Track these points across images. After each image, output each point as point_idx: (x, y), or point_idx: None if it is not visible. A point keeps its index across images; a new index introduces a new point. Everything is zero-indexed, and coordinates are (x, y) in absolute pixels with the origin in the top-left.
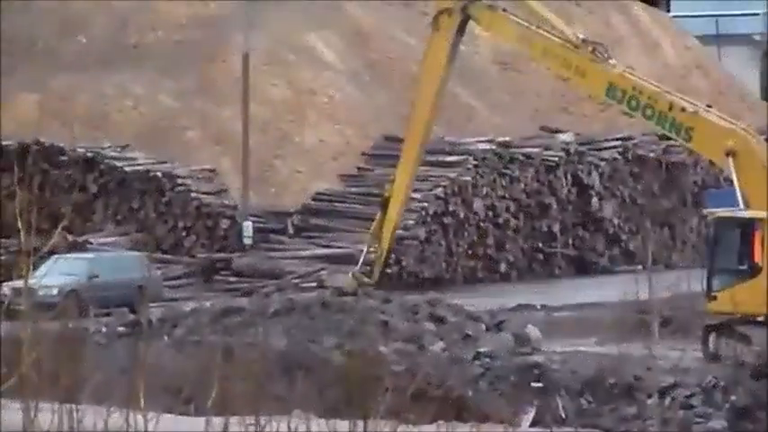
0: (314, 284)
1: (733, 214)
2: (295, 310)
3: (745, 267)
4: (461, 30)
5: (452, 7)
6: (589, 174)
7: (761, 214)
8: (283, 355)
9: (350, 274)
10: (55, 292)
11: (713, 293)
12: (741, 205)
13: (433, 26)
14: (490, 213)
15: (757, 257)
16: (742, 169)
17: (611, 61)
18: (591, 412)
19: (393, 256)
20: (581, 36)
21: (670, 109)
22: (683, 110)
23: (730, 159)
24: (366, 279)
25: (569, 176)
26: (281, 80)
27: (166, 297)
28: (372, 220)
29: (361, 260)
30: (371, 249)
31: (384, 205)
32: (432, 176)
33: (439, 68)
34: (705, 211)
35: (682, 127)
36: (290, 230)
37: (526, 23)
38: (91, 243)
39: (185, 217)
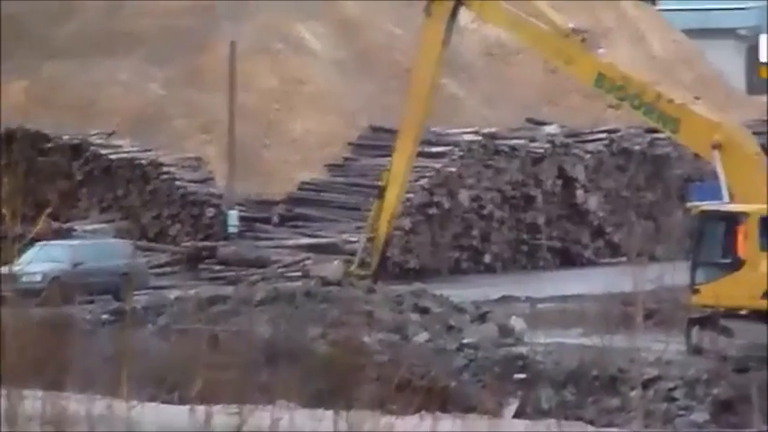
0: (299, 274)
1: (717, 207)
2: (280, 300)
3: (728, 261)
4: (454, 15)
5: None
6: (574, 166)
7: (744, 208)
8: (268, 345)
9: (335, 262)
10: (39, 278)
11: (697, 287)
12: (726, 198)
13: (426, 12)
14: (475, 205)
15: (741, 251)
16: (728, 162)
17: (600, 51)
18: (574, 404)
19: None
20: (571, 25)
21: (657, 100)
22: (671, 101)
23: (716, 152)
24: (362, 272)
25: (555, 168)
26: (268, 69)
27: (151, 285)
28: (358, 210)
29: (359, 253)
30: (368, 239)
31: (380, 194)
32: (417, 167)
33: (434, 54)
34: (689, 205)
35: (669, 119)
36: (276, 219)
37: (517, 11)
38: (76, 230)
39: (171, 205)
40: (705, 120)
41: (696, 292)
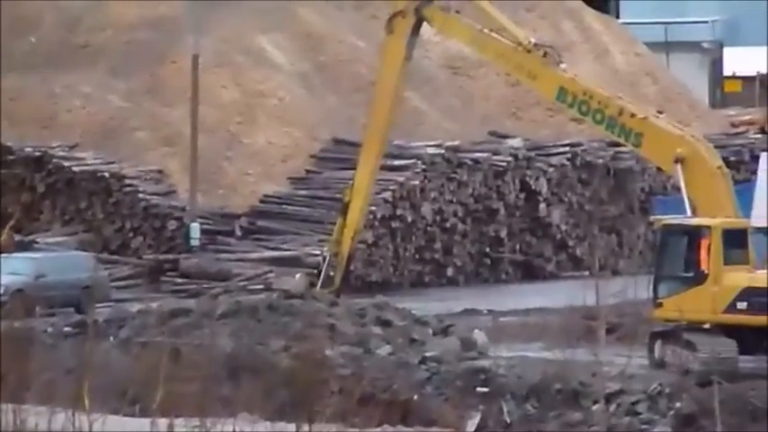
0: (261, 287)
1: (679, 221)
2: (242, 313)
3: (691, 274)
4: (416, 31)
5: (406, 9)
6: (537, 179)
7: (707, 221)
8: (230, 358)
9: (297, 276)
10: (1, 291)
11: (659, 300)
12: (688, 212)
13: (387, 29)
14: (438, 218)
15: (703, 265)
16: (690, 176)
17: (562, 65)
18: (536, 418)
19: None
20: (533, 40)
21: (620, 114)
22: (633, 115)
23: (679, 166)
24: (326, 290)
25: (517, 182)
26: (230, 82)
27: (113, 297)
28: (321, 223)
29: (323, 271)
30: (332, 256)
31: (344, 211)
32: (380, 180)
33: (396, 70)
34: (652, 218)
35: (631, 132)
36: (238, 232)
37: (479, 26)
38: (38, 243)
39: (133, 218)
40: (667, 133)
41: (659, 305)
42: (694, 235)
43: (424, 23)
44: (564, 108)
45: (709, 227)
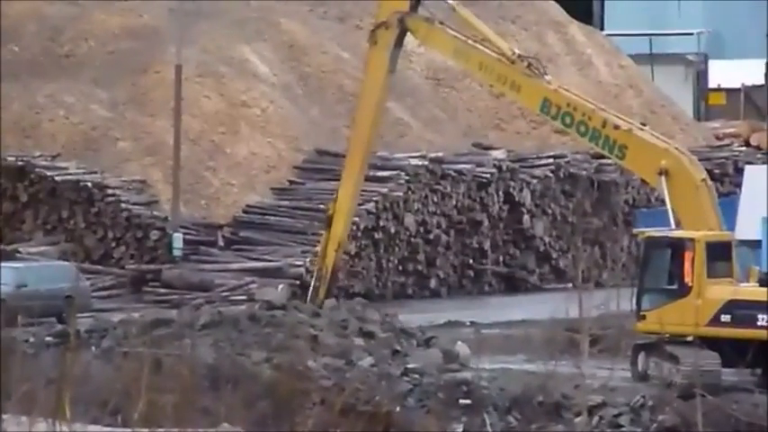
0: (243, 298)
1: (663, 234)
2: (224, 323)
3: (674, 287)
4: (399, 42)
5: (389, 20)
6: (521, 191)
7: (691, 234)
8: (211, 368)
9: (280, 287)
10: None
11: (642, 313)
12: (672, 224)
13: (370, 41)
14: (421, 229)
15: (687, 278)
16: (674, 189)
17: (546, 77)
18: (519, 430)
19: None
20: (517, 51)
21: (603, 126)
22: (617, 127)
23: (663, 178)
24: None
25: (501, 193)
26: (213, 92)
27: (95, 307)
28: (303, 234)
29: (312, 286)
30: (318, 270)
31: (328, 224)
32: (363, 191)
33: (379, 82)
34: (635, 231)
35: (615, 144)
36: (221, 243)
37: (463, 37)
38: (20, 252)
39: (115, 227)
40: (651, 146)
41: (642, 318)
42: (678, 248)
43: (408, 35)
44: (548, 120)
45: (692, 239)
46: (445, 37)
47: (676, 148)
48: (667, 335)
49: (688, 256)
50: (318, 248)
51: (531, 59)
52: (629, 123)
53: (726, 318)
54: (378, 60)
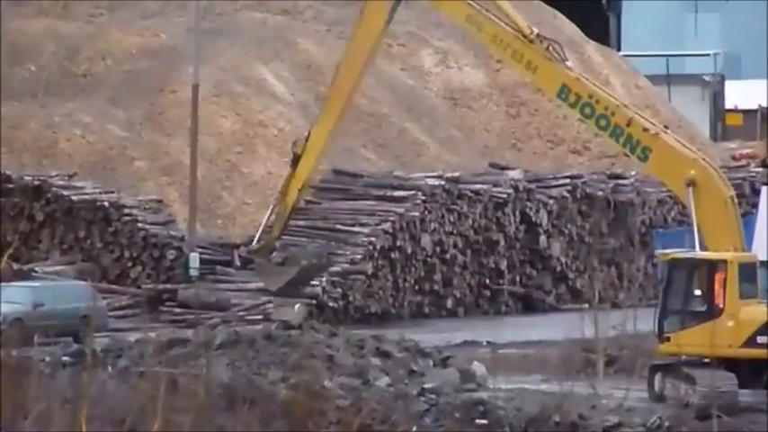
0: (260, 317)
1: (691, 255)
2: (240, 343)
3: (703, 309)
4: None
5: None
6: (537, 211)
7: (723, 255)
8: (227, 388)
9: (296, 306)
10: None
11: (666, 335)
12: (696, 240)
13: None
14: (438, 249)
15: (718, 299)
16: (701, 202)
17: (567, 63)
18: None
19: (339, 290)
20: (536, 30)
21: (628, 124)
22: (645, 130)
23: (690, 190)
24: (258, 245)
25: (518, 213)
26: (230, 112)
27: (111, 327)
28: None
29: (263, 222)
30: (275, 206)
31: (294, 163)
32: (380, 211)
33: (374, 32)
34: (658, 252)
35: (638, 145)
36: (237, 262)
37: (477, 6)
38: (36, 272)
39: (132, 247)
40: (680, 154)
41: (666, 340)
42: (708, 269)
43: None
44: (563, 106)
45: (725, 261)
46: (459, 3)
47: (705, 160)
48: (685, 356)
49: (719, 277)
50: (280, 188)
51: (551, 41)
52: (657, 128)
53: (762, 339)
54: (377, 11)
